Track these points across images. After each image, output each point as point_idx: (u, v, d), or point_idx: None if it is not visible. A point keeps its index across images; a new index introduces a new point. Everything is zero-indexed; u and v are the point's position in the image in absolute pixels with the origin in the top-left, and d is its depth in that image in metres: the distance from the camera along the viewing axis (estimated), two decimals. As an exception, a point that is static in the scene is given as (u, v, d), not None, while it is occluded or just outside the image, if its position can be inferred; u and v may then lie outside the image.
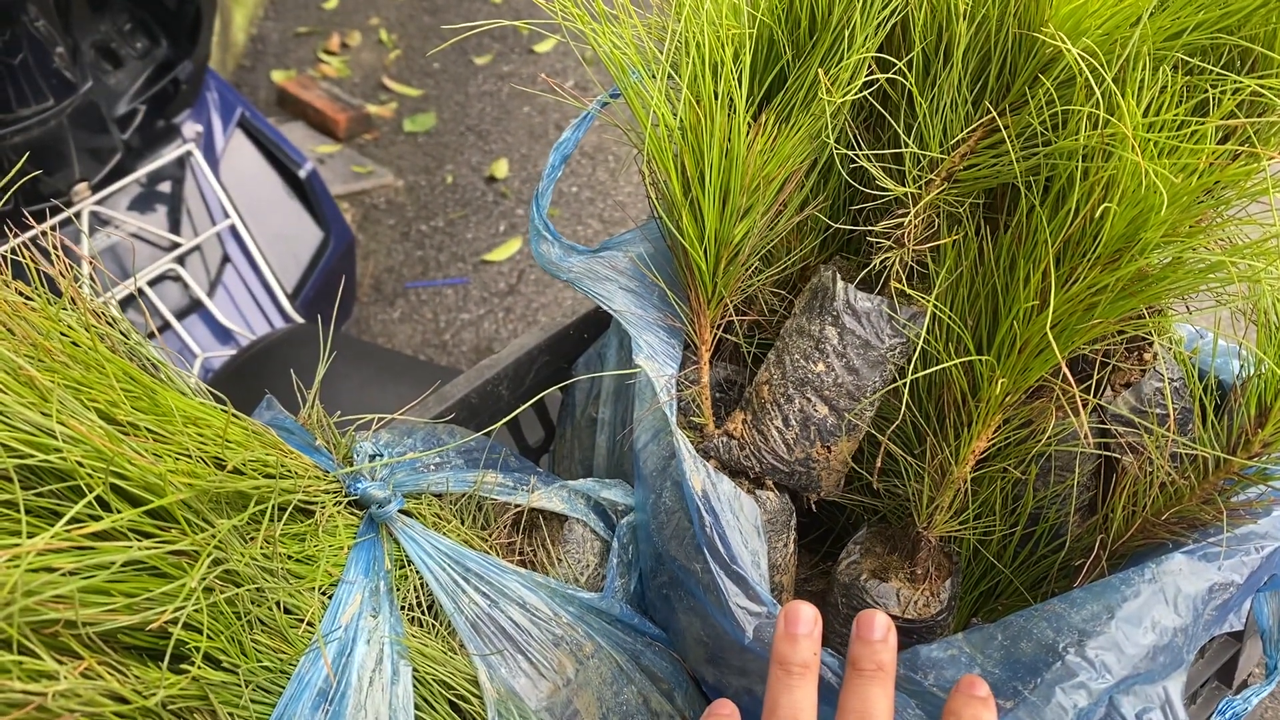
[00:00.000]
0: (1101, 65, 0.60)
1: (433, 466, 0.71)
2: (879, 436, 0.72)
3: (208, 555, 0.47)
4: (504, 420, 0.71)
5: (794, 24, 0.73)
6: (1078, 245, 0.64)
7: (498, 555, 0.70)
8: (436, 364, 1.69)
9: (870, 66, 0.71)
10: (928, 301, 0.69)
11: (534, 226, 0.77)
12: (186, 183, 1.75)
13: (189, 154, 1.74)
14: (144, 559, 0.46)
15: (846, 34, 0.70)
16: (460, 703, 0.59)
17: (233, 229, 1.76)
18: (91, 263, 1.57)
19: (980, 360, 0.67)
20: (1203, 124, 0.60)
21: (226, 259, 1.76)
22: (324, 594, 0.58)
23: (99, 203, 1.63)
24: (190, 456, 0.51)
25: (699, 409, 0.75)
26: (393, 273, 2.65)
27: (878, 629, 0.58)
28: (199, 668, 0.48)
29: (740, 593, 0.66)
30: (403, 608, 0.61)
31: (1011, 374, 0.67)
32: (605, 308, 0.75)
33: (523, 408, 0.71)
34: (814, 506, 0.77)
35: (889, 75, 0.71)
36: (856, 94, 0.70)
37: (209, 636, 0.48)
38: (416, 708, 0.57)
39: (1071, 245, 0.64)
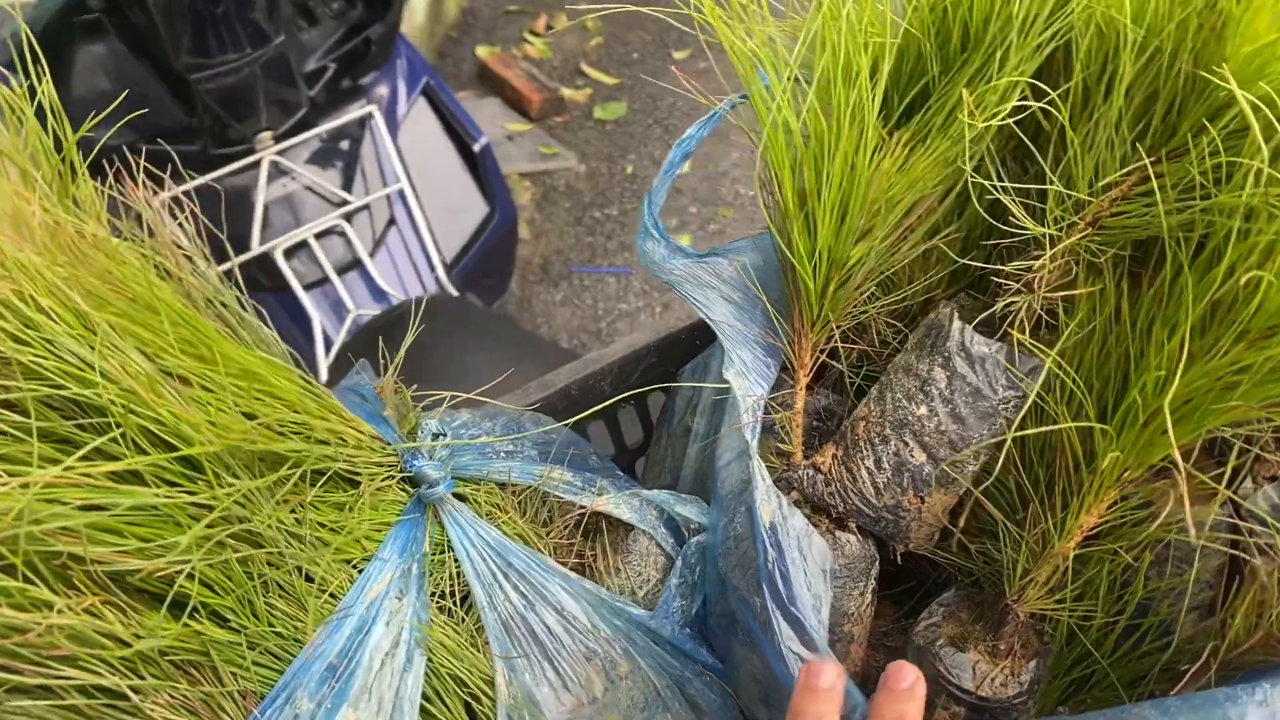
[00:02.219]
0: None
1: (503, 454, 0.69)
2: (976, 493, 0.66)
3: (221, 509, 0.47)
4: (590, 411, 0.68)
5: (944, 38, 0.67)
6: (1226, 314, 0.56)
7: (554, 554, 0.67)
8: (578, 354, 1.69)
9: (1022, 92, 0.65)
10: (1051, 356, 0.63)
11: (643, 223, 0.74)
12: (364, 143, 1.80)
13: (370, 116, 1.79)
14: (158, 505, 0.46)
15: (1000, 54, 0.64)
16: (473, 702, 0.57)
17: (401, 193, 1.80)
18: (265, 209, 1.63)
19: (1099, 429, 0.61)
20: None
21: (392, 221, 1.80)
22: (355, 568, 0.56)
23: (280, 153, 1.69)
24: (231, 410, 0.51)
25: (788, 435, 0.70)
26: (561, 255, 2.67)
27: (905, 679, 0.55)
28: (201, 622, 0.47)
29: (794, 636, 0.61)
30: (434, 595, 0.59)
31: (1131, 449, 0.59)
32: (703, 316, 0.71)
33: (610, 401, 0.68)
34: (899, 559, 0.71)
35: (1042, 104, 0.65)
36: (1003, 120, 0.64)
37: (215, 592, 0.48)
38: (428, 699, 0.55)
39: (1219, 313, 0.57)
